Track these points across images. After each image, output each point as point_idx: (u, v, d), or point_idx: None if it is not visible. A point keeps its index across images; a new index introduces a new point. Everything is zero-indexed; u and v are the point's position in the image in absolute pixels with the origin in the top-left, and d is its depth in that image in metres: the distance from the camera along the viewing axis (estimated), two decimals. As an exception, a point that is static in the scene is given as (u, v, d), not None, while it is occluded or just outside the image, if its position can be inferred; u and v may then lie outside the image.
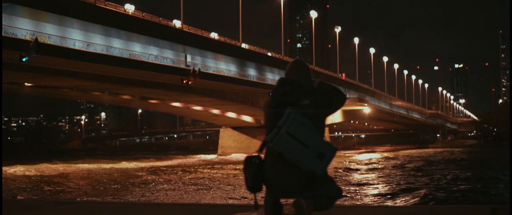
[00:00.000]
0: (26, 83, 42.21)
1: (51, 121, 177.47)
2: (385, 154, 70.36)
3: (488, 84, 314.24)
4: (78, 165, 47.45)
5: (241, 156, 52.09)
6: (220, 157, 61.66)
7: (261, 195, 4.83)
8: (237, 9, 59.51)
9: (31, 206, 9.17)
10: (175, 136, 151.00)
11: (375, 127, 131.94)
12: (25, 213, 8.08)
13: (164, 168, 42.04)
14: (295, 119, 4.60)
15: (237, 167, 39.90)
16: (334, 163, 41.03)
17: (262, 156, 4.77)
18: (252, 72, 51.56)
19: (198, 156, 67.22)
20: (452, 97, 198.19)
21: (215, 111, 59.27)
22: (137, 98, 51.26)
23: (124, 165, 48.13)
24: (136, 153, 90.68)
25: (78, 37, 33.47)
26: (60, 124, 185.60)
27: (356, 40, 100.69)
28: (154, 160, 58.25)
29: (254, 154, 4.78)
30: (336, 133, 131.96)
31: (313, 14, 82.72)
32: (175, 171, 38.14)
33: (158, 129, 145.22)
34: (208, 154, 72.46)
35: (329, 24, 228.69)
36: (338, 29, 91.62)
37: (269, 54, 58.47)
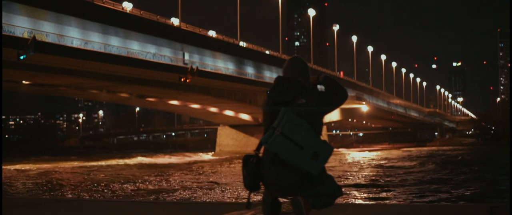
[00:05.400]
0: (24, 81, 42.11)
1: (49, 119, 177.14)
2: (383, 152, 70.36)
3: (486, 82, 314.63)
4: (75, 162, 47.38)
5: (239, 154, 52.10)
6: (217, 155, 61.64)
7: (254, 194, 4.77)
8: (235, 7, 59.49)
9: (30, 205, 9.16)
10: (173, 134, 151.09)
11: (373, 125, 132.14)
12: (24, 211, 8.07)
13: (162, 166, 42.00)
14: (290, 119, 4.53)
15: (234, 165, 39.87)
16: (331, 161, 40.98)
17: (261, 154, 4.72)
18: (250, 70, 51.52)
19: (196, 154, 67.15)
20: (450, 95, 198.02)
21: (213, 109, 59.21)
22: (135, 97, 51.19)
23: (121, 162, 48.07)
24: (133, 151, 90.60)
25: (76, 35, 33.41)
26: (58, 122, 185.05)
27: (354, 38, 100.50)
28: (152, 157, 58.17)
29: (252, 153, 4.72)
30: (334, 131, 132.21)
31: (311, 12, 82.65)
32: (172, 169, 38.10)
33: (156, 127, 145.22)
34: (206, 152, 72.37)
35: (327, 22, 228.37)
36: (336, 28, 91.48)
37: (267, 52, 58.38)
